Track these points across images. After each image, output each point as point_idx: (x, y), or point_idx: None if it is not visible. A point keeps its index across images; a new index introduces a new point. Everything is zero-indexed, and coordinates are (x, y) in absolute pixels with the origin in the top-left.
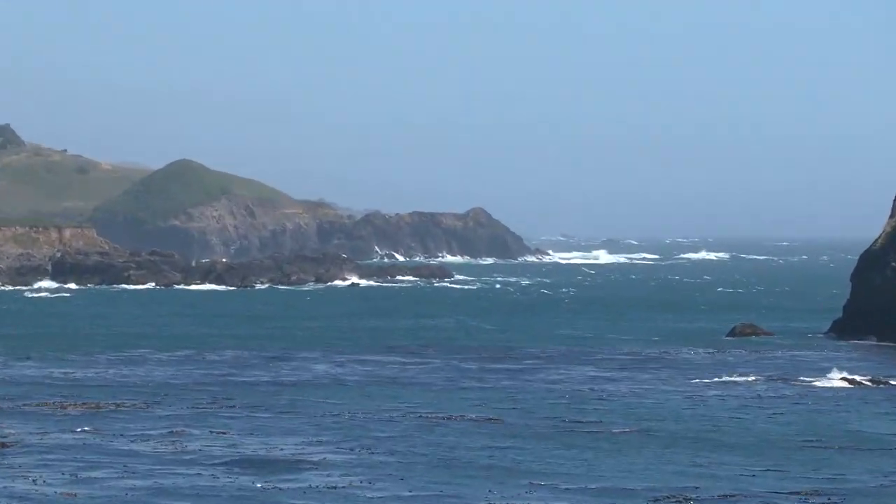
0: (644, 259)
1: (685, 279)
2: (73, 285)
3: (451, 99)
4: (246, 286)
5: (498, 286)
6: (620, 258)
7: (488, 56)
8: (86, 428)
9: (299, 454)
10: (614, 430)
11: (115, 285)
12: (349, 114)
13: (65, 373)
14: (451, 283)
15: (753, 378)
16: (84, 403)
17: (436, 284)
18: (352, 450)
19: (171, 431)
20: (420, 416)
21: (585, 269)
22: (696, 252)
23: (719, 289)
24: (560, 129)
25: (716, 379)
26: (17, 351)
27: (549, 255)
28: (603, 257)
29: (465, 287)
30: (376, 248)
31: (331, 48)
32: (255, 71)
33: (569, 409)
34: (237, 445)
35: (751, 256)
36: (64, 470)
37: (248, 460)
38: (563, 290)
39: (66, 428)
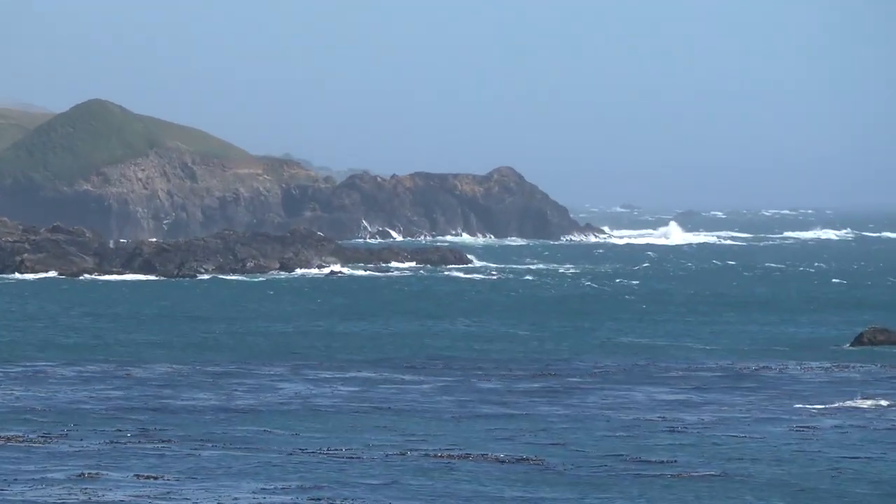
0: (732, 238)
1: (791, 266)
2: None
3: (470, 25)
4: (184, 275)
5: (530, 277)
6: (700, 236)
7: None
8: None
9: None
10: (692, 474)
11: (1, 274)
12: (324, 38)
13: None
14: (465, 271)
15: (887, 404)
16: None
17: (446, 274)
18: (331, 501)
19: (81, 474)
20: (424, 455)
21: (651, 254)
22: (805, 230)
23: (835, 280)
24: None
25: (833, 405)
26: None
27: (603, 232)
28: (676, 236)
29: (486, 277)
30: (364, 222)
31: None
32: None
33: (630, 445)
34: (172, 494)
35: (883, 234)
36: None
37: None
38: (620, 280)
39: None
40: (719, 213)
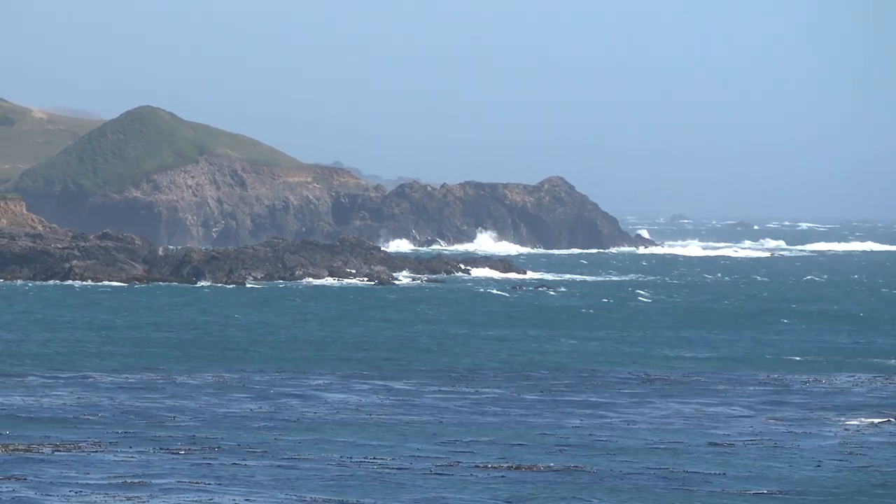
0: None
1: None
2: None
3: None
4: (233, 283)
5: (575, 289)
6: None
7: None
8: (10, 476)
9: None
10: (740, 491)
11: (50, 280)
12: (374, 51)
13: None
14: (514, 283)
15: None
16: (5, 445)
17: (495, 283)
18: None
19: (125, 482)
20: (474, 467)
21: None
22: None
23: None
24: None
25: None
26: None
27: (655, 244)
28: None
29: (537, 289)
30: (413, 231)
31: None
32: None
33: (676, 457)
34: (214, 503)
35: None
36: None
37: None
38: (666, 296)
39: None
40: (805, 224)
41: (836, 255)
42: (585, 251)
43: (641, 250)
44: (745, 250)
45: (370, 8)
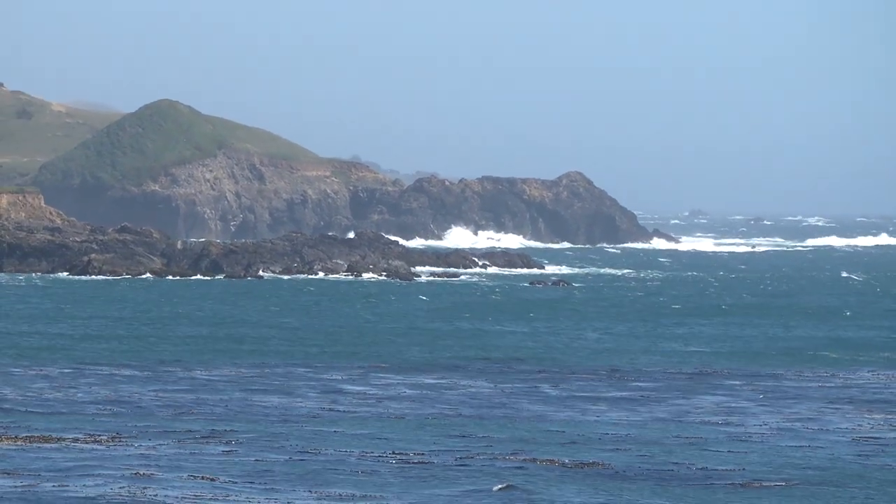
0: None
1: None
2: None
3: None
4: (250, 276)
5: (590, 278)
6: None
7: None
8: (28, 470)
9: None
10: (760, 483)
11: (66, 274)
12: (391, 46)
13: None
14: (533, 277)
15: None
16: (22, 437)
17: (514, 278)
18: None
19: (138, 473)
20: (492, 459)
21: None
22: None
23: None
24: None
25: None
26: None
27: (676, 240)
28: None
29: (561, 284)
30: (432, 226)
31: None
32: None
33: (695, 452)
34: (229, 496)
35: None
36: None
37: None
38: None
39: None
40: (817, 220)
41: (829, 251)
42: (598, 246)
43: (657, 245)
44: (761, 246)
45: (391, 8)
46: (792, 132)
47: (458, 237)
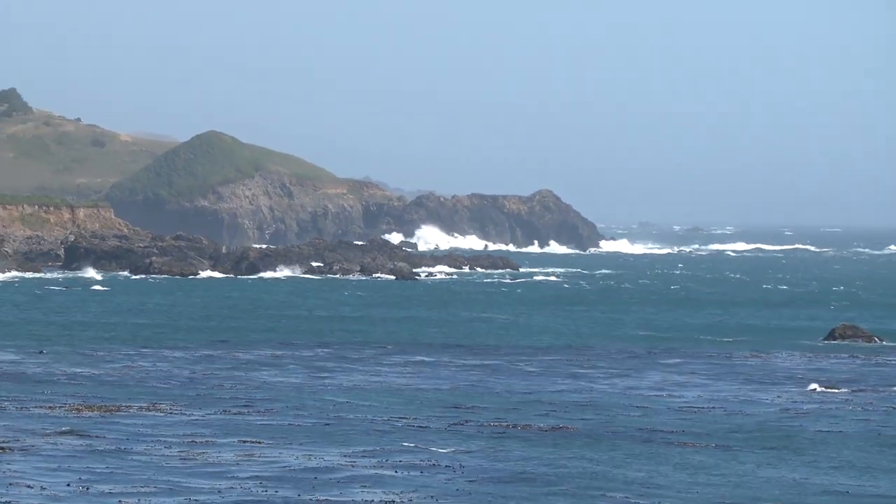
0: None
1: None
2: (96, 275)
3: (515, 68)
4: (281, 275)
5: (556, 278)
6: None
7: (562, 19)
8: (96, 433)
9: (342, 466)
10: (697, 444)
11: (132, 273)
12: (397, 82)
13: (79, 371)
14: (514, 275)
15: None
16: (97, 406)
17: (496, 276)
18: (412, 463)
19: (194, 440)
20: (480, 425)
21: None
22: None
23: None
24: (630, 101)
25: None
26: (33, 344)
27: (626, 245)
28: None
29: (542, 280)
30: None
31: (375, 11)
32: (294, 38)
33: (644, 417)
34: (271, 454)
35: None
36: (71, 480)
37: (287, 476)
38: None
39: (76, 431)
40: (729, 229)
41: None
42: (569, 251)
43: (613, 248)
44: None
45: (400, 51)
46: (715, 156)
47: (429, 236)
